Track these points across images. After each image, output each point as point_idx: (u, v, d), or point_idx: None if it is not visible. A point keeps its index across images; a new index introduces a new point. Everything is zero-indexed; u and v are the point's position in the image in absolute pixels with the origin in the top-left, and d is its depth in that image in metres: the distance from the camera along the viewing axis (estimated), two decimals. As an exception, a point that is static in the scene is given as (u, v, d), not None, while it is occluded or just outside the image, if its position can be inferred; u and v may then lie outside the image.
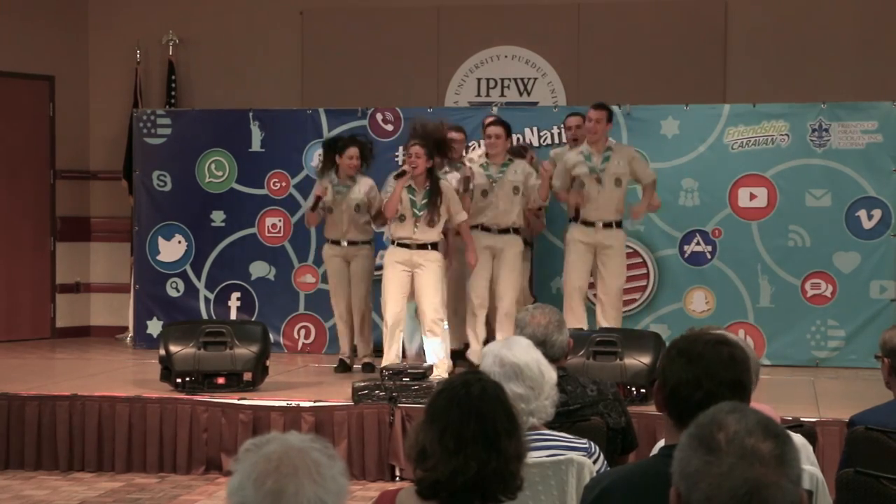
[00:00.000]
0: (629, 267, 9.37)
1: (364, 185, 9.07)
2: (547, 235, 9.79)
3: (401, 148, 10.14)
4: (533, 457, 3.30)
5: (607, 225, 8.82)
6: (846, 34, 10.69)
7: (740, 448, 1.81)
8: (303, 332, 10.48)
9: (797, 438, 3.13)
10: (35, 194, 11.56)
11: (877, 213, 9.62)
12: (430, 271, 8.47)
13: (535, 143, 10.17)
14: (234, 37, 11.59)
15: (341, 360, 9.23)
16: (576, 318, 8.61)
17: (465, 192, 8.80)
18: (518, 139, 10.10)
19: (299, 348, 10.45)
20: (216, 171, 10.62)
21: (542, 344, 4.09)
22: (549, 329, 4.34)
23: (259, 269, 10.54)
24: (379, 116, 10.39)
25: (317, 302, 10.31)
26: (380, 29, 11.38)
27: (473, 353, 8.68)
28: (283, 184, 10.51)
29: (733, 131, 9.85)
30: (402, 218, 8.48)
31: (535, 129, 10.21)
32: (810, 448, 3.79)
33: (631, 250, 9.63)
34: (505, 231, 8.87)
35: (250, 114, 10.59)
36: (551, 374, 3.72)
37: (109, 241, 11.81)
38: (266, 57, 11.56)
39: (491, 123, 9.03)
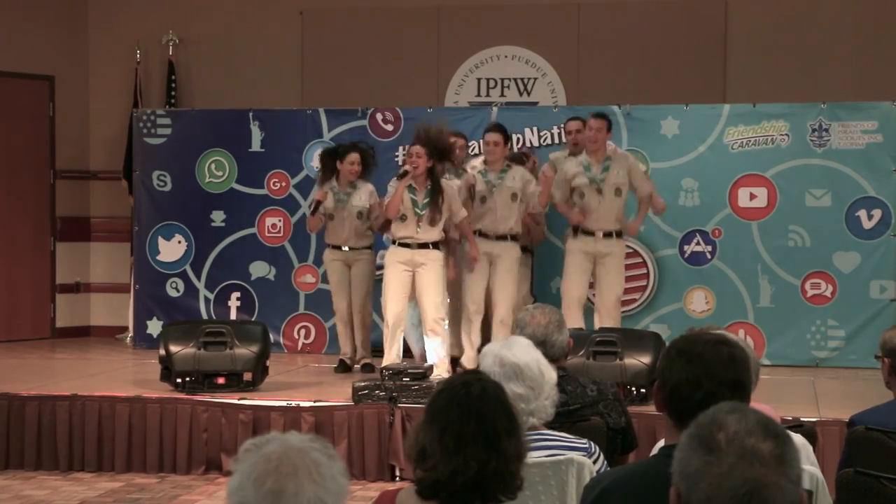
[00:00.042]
0: (629, 267, 9.37)
1: (364, 191, 9.08)
2: (547, 235, 9.79)
3: (401, 148, 10.15)
4: (533, 457, 3.30)
5: (607, 234, 8.80)
6: (846, 34, 10.69)
7: (740, 448, 1.81)
8: (303, 332, 10.48)
9: (797, 438, 3.13)
10: (35, 194, 11.56)
11: (877, 213, 9.62)
12: (432, 270, 8.47)
13: (535, 144, 10.17)
14: (234, 37, 11.59)
15: (341, 360, 9.23)
16: None
17: (470, 200, 8.79)
18: (518, 139, 10.11)
19: (299, 348, 10.45)
20: (216, 171, 10.62)
21: (542, 344, 4.09)
22: (549, 329, 4.34)
23: (259, 269, 10.55)
24: (379, 116, 10.39)
25: (317, 302, 10.31)
26: (380, 29, 11.38)
27: (468, 360, 8.65)
28: (283, 184, 10.51)
29: (733, 131, 9.86)
30: (403, 218, 8.48)
31: (535, 129, 10.20)
32: (810, 448, 3.79)
33: (631, 250, 9.63)
34: (502, 238, 8.83)
35: (250, 114, 10.59)
36: (551, 374, 3.72)
37: (109, 241, 11.81)
38: (266, 57, 11.56)
39: (489, 130, 9.02)
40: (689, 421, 1.92)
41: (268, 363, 8.16)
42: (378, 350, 9.09)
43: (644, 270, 9.91)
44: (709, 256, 9.87)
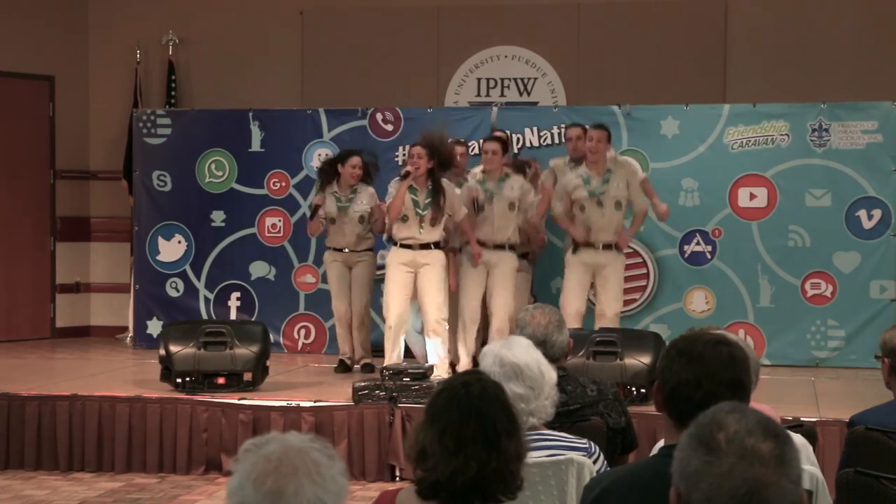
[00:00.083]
0: (629, 267, 9.37)
1: (365, 194, 9.09)
2: (547, 235, 9.77)
3: (401, 148, 10.16)
4: (533, 457, 3.30)
5: (607, 246, 8.79)
6: (846, 34, 10.69)
7: (740, 448, 1.81)
8: (303, 332, 10.48)
9: (797, 438, 3.13)
10: (35, 194, 11.56)
11: (877, 213, 9.62)
12: (434, 271, 8.48)
13: (535, 144, 10.17)
14: (234, 37, 11.59)
15: (341, 361, 9.23)
16: None
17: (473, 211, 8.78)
18: (518, 139, 10.10)
19: (299, 348, 10.45)
20: (216, 171, 10.62)
21: (542, 344, 4.09)
22: (549, 329, 4.34)
23: (259, 269, 10.55)
24: (379, 116, 10.39)
25: (317, 302, 10.31)
26: (380, 29, 11.38)
27: (463, 368, 8.63)
28: (283, 184, 10.51)
29: (733, 131, 9.86)
30: (404, 218, 8.48)
31: (535, 129, 10.20)
32: (810, 448, 3.79)
33: (631, 250, 9.63)
34: (500, 247, 8.80)
35: (250, 114, 10.59)
36: (551, 374, 3.72)
37: (109, 241, 11.81)
38: (266, 57, 11.56)
39: (487, 139, 9.01)
40: (689, 421, 1.92)
41: (268, 363, 8.16)
42: (378, 350, 9.10)
43: (644, 270, 9.91)
44: (709, 256, 9.87)
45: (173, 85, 11.57)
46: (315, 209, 9.17)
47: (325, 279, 9.74)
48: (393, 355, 8.42)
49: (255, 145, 10.56)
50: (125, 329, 11.32)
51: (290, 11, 11.51)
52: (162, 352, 8.00)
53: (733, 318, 9.66)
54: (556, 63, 11.19)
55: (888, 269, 9.62)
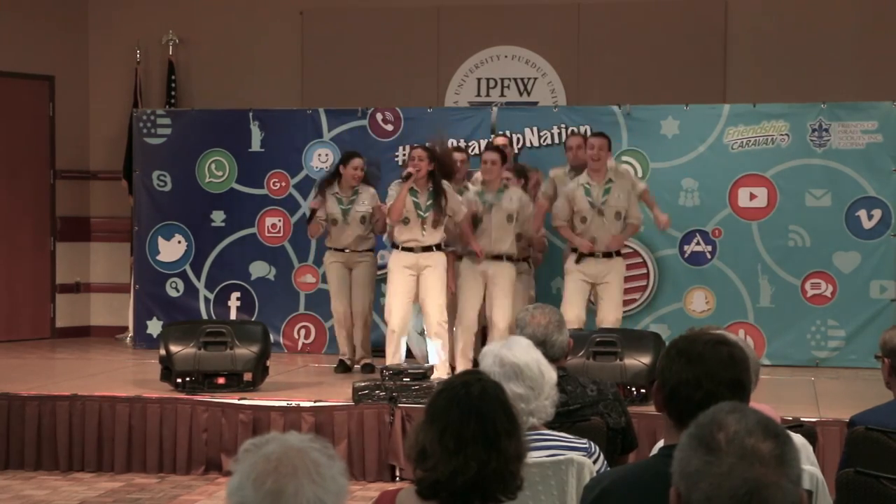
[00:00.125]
0: (629, 267, 9.37)
1: (367, 195, 9.10)
2: (547, 235, 9.77)
3: (401, 148, 10.16)
4: (533, 457, 3.30)
5: (607, 255, 8.80)
6: (846, 34, 10.69)
7: (740, 448, 1.81)
8: (303, 332, 10.48)
9: (797, 438, 3.13)
10: (35, 194, 11.56)
11: (877, 213, 9.62)
12: (436, 273, 8.48)
13: (535, 143, 10.16)
14: (234, 37, 11.59)
15: (341, 361, 9.23)
16: None
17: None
18: (518, 139, 10.10)
19: (299, 348, 10.45)
20: (216, 171, 10.62)
21: (542, 344, 4.09)
22: (549, 329, 4.34)
23: (259, 269, 10.54)
24: (379, 116, 10.39)
25: (317, 302, 10.31)
26: (380, 29, 11.38)
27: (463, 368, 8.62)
28: (283, 184, 10.51)
29: (733, 131, 9.86)
30: (405, 221, 8.48)
31: (535, 129, 10.20)
32: (810, 448, 3.79)
33: (631, 250, 9.64)
34: (497, 258, 8.77)
35: (250, 114, 10.59)
36: (551, 374, 3.72)
37: (109, 241, 11.81)
38: (266, 57, 11.56)
39: (487, 149, 8.99)
40: (689, 421, 1.92)
41: (268, 363, 8.15)
42: (378, 350, 9.10)
43: (644, 270, 9.91)
44: (709, 256, 9.87)
45: (173, 85, 11.57)
46: (312, 213, 9.19)
47: (325, 279, 9.74)
48: (394, 360, 8.40)
49: (255, 145, 10.56)
50: (125, 329, 11.32)
51: (290, 11, 11.51)
52: (162, 352, 8.00)
53: (733, 318, 9.66)
54: (556, 63, 11.19)
55: (888, 269, 9.62)
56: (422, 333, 8.93)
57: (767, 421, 1.86)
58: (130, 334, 11.05)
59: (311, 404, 7.62)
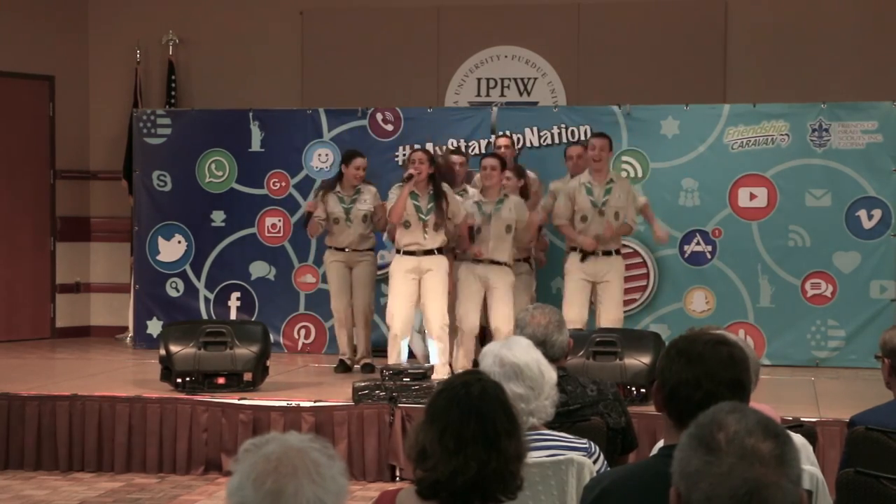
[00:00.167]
0: (629, 267, 9.37)
1: (369, 194, 9.10)
2: (547, 235, 9.78)
3: (401, 148, 10.16)
4: (533, 457, 3.30)
5: (606, 253, 8.81)
6: (846, 34, 10.69)
7: (740, 448, 1.81)
8: (303, 332, 10.48)
9: (797, 438, 3.13)
10: (35, 194, 11.56)
11: (877, 213, 9.62)
12: (438, 276, 8.47)
13: (535, 143, 10.16)
14: (234, 37, 11.59)
15: (341, 360, 9.23)
16: None
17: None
18: (518, 139, 10.09)
19: (299, 348, 10.45)
20: (216, 171, 10.62)
21: (542, 344, 4.09)
22: (549, 329, 4.34)
23: (259, 269, 10.54)
24: (379, 116, 10.39)
25: (317, 302, 10.31)
26: (380, 29, 11.38)
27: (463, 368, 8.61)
28: (283, 184, 10.51)
29: (733, 131, 9.86)
30: (406, 224, 8.47)
31: (535, 129, 10.20)
32: (810, 448, 3.79)
33: (631, 250, 9.64)
34: (496, 263, 8.77)
35: (250, 114, 10.59)
36: (551, 374, 3.72)
37: (109, 241, 11.81)
38: (266, 57, 11.56)
39: (486, 155, 8.98)
40: (689, 421, 1.92)
41: (268, 363, 8.15)
42: (378, 350, 9.10)
43: (644, 270, 9.91)
44: (709, 256, 9.87)
45: (173, 85, 11.57)
46: (308, 216, 9.22)
47: (325, 279, 9.74)
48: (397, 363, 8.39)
49: (255, 145, 10.56)
50: (125, 329, 11.32)
51: (290, 11, 11.51)
52: (162, 352, 8.00)
53: (733, 318, 9.66)
54: (556, 63, 11.19)
55: (888, 269, 9.62)
56: (420, 332, 8.91)
57: (767, 421, 1.86)
58: (130, 334, 11.05)
59: (311, 404, 7.62)
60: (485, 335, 8.81)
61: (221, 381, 7.94)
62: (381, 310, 9.49)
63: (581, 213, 8.77)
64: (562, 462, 3.58)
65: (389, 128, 10.36)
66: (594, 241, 8.73)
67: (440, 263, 8.52)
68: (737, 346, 2.70)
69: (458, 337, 8.69)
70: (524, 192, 9.06)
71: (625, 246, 9.29)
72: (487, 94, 11.27)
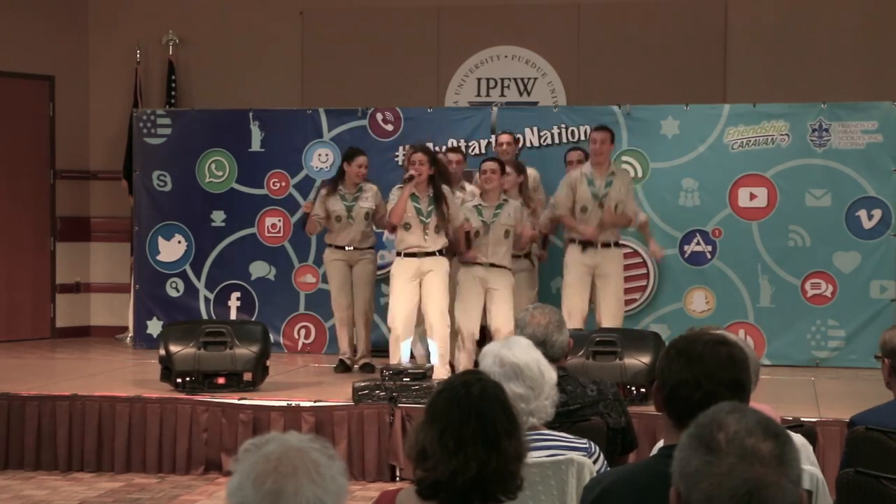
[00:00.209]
0: (629, 267, 9.38)
1: (370, 192, 9.10)
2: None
3: (401, 148, 10.15)
4: (533, 457, 3.30)
5: (605, 245, 8.82)
6: (846, 34, 10.69)
7: (740, 448, 1.81)
8: (303, 332, 10.48)
9: (797, 438, 3.13)
10: (35, 194, 11.56)
11: (877, 213, 9.62)
12: (438, 277, 8.46)
13: (535, 143, 10.16)
14: (234, 37, 11.59)
15: (341, 360, 9.23)
16: None
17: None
18: (518, 139, 10.09)
19: (299, 348, 10.45)
20: (216, 171, 10.62)
21: (542, 344, 4.09)
22: (549, 329, 4.34)
23: (259, 269, 10.54)
24: (379, 116, 10.39)
25: (317, 302, 10.31)
26: (380, 29, 11.38)
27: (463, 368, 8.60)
28: (283, 184, 10.51)
29: (733, 131, 9.86)
30: (407, 227, 8.47)
31: (535, 129, 10.20)
32: (810, 448, 3.79)
33: (631, 250, 9.64)
34: (494, 265, 8.76)
35: (250, 114, 10.59)
36: (551, 374, 3.72)
37: (109, 241, 11.81)
38: (266, 57, 11.56)
39: (486, 159, 8.97)
40: (689, 421, 1.92)
41: (268, 363, 8.15)
42: (377, 350, 9.10)
43: (644, 270, 9.91)
44: (709, 256, 9.87)
45: (173, 85, 11.57)
46: (305, 216, 9.23)
47: (325, 279, 9.74)
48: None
49: (255, 145, 10.56)
50: (125, 329, 11.32)
51: (290, 11, 11.52)
52: (162, 352, 8.00)
53: (733, 318, 9.66)
54: (556, 63, 11.19)
55: (888, 269, 9.62)
56: (420, 329, 8.90)
57: (767, 421, 1.86)
58: (130, 334, 11.05)
59: (311, 404, 7.61)
60: (485, 335, 8.80)
61: (221, 381, 7.93)
62: (381, 310, 9.50)
63: (581, 203, 8.80)
64: (562, 462, 3.58)
65: (389, 128, 10.36)
66: (596, 229, 8.74)
67: (441, 265, 8.52)
68: (737, 346, 2.70)
69: (459, 341, 8.69)
70: (523, 188, 9.08)
71: (625, 246, 9.28)
72: (487, 94, 11.28)
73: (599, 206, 8.77)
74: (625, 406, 4.53)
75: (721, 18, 10.96)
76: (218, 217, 10.61)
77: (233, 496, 2.05)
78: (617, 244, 8.94)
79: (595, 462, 3.62)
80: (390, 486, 5.23)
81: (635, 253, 9.82)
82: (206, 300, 10.62)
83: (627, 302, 9.52)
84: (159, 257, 10.69)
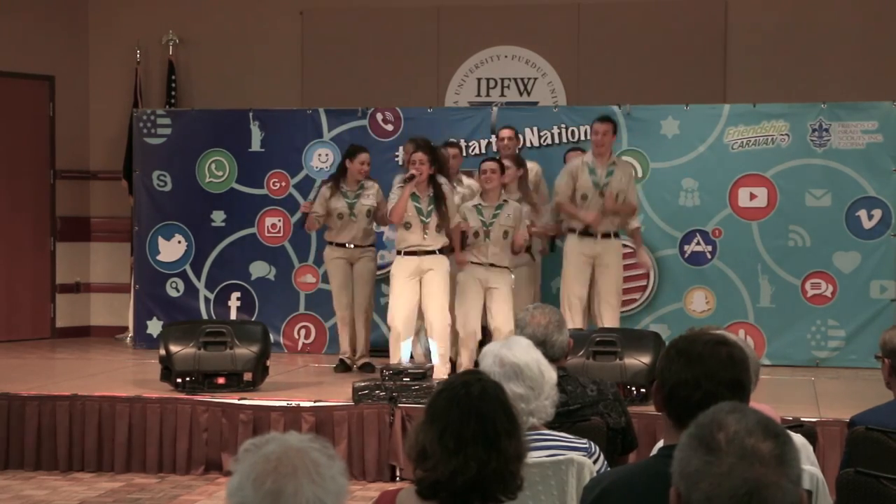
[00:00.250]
0: (629, 267, 9.37)
1: (372, 189, 9.10)
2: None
3: (401, 148, 10.14)
4: (533, 457, 3.30)
5: (605, 235, 8.84)
6: (846, 34, 10.69)
7: (740, 448, 1.81)
8: (303, 332, 10.47)
9: (797, 438, 3.13)
10: (35, 194, 11.56)
11: (877, 213, 9.62)
12: (438, 276, 8.46)
13: (535, 143, 10.16)
14: (234, 37, 11.59)
15: (341, 360, 9.23)
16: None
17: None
18: (519, 139, 10.09)
19: (299, 348, 10.45)
20: (216, 171, 10.62)
21: (542, 344, 4.09)
22: (549, 329, 4.34)
23: (259, 269, 10.54)
24: (379, 116, 10.39)
25: (317, 302, 10.31)
26: (380, 29, 11.38)
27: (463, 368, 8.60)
28: (283, 184, 10.51)
29: (733, 131, 9.86)
30: (407, 226, 8.46)
31: (535, 129, 10.20)
32: (810, 448, 3.79)
33: (631, 250, 9.63)
34: (494, 266, 8.76)
35: (250, 114, 10.59)
36: (551, 374, 3.72)
37: (109, 241, 11.81)
38: (266, 57, 11.56)
39: (486, 159, 8.98)
40: (689, 421, 1.92)
41: (268, 363, 8.15)
42: (377, 350, 9.09)
43: (644, 270, 9.90)
44: (709, 256, 9.87)
45: (173, 85, 11.57)
46: (304, 216, 9.25)
47: (325, 279, 9.73)
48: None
49: (255, 145, 10.56)
50: (125, 329, 11.32)
51: (290, 11, 11.52)
52: (162, 352, 8.00)
53: (733, 318, 9.66)
54: (556, 63, 11.19)
55: (888, 269, 9.62)
56: (419, 330, 8.90)
57: (767, 421, 1.86)
58: (130, 334, 11.05)
59: (311, 404, 7.61)
60: (485, 335, 8.80)
61: (221, 381, 7.93)
62: (381, 310, 9.50)
63: (582, 191, 8.81)
64: (562, 462, 3.58)
65: (389, 128, 10.36)
66: (597, 214, 8.74)
67: (441, 263, 8.52)
68: (736, 347, 2.70)
69: (460, 341, 8.68)
70: (522, 183, 9.08)
71: (625, 246, 9.28)
72: (487, 94, 11.28)
73: (600, 194, 8.77)
74: (625, 406, 4.53)
75: (721, 18, 10.96)
76: (218, 217, 10.61)
77: (233, 496, 2.05)
78: (616, 235, 8.94)
79: (595, 462, 3.62)
80: (390, 486, 5.24)
81: (635, 253, 9.80)
82: (206, 300, 10.62)
83: (628, 302, 9.54)
84: (159, 257, 10.69)
